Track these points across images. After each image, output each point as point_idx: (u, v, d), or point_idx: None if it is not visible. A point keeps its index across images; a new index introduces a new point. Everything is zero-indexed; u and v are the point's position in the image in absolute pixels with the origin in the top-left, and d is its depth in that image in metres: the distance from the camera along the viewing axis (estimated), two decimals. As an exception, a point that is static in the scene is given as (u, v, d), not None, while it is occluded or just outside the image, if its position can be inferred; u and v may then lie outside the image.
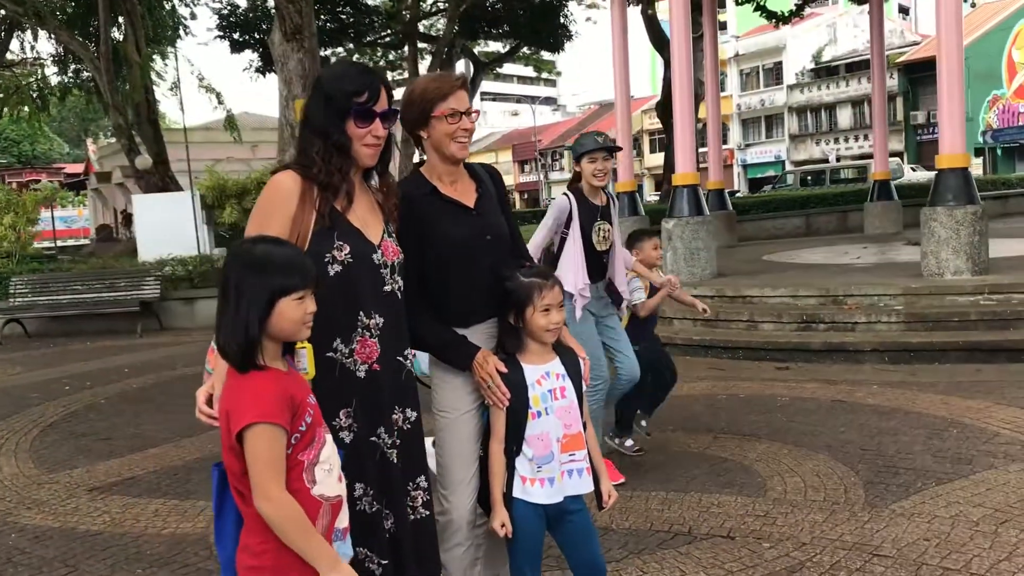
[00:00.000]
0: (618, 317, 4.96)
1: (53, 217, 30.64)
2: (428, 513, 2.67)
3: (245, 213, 14.14)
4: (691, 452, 5.27)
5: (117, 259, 15.62)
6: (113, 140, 33.93)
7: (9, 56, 30.37)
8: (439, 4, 35.14)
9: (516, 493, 2.81)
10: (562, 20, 29.42)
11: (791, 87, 50.51)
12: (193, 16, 25.22)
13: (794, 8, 16.37)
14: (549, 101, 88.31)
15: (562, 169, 69.40)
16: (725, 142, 50.02)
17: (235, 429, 2.11)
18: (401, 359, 2.61)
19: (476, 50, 39.47)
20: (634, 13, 22.89)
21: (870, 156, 40.47)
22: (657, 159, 45.83)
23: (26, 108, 33.96)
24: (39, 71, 32.54)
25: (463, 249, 2.83)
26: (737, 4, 14.68)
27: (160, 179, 21.51)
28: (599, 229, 4.65)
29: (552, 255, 4.75)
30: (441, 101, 2.77)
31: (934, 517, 4.02)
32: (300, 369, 2.35)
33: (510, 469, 2.82)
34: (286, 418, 2.15)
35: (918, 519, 4.02)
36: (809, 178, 31.35)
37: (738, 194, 36.26)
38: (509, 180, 73.10)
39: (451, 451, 2.86)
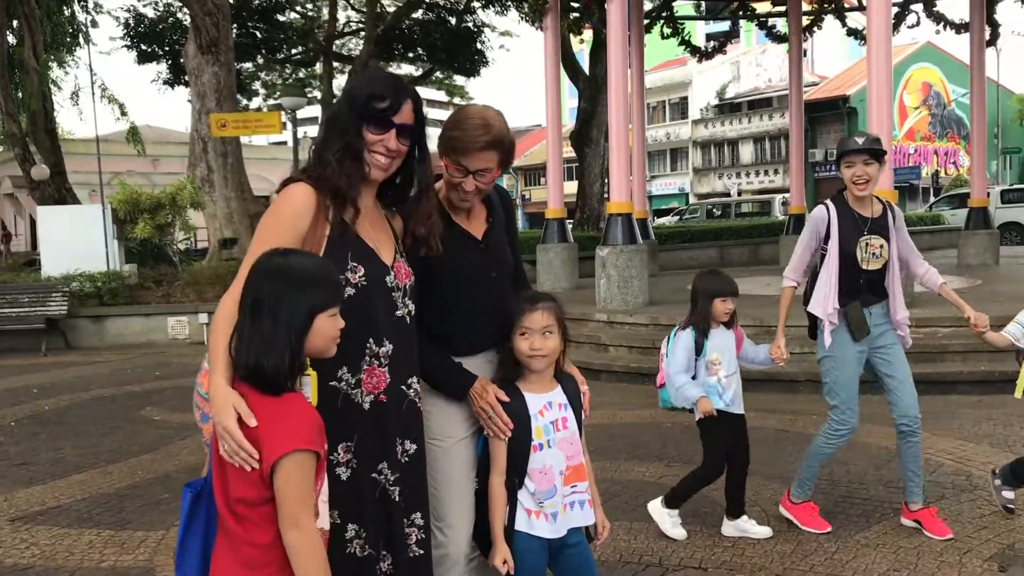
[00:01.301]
0: (900, 345, 4.31)
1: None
2: (423, 552, 2.53)
3: (158, 228, 13.62)
4: (647, 481, 5.23)
5: (16, 274, 14.82)
6: (2, 148, 32.45)
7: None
8: (353, 24, 34.93)
9: (520, 526, 2.70)
10: (479, 46, 29.56)
11: (696, 122, 51.90)
12: (95, 24, 24.28)
13: (716, 44, 16.81)
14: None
15: (470, 194, 69.50)
16: (631, 173, 51.14)
17: (273, 456, 1.96)
18: (405, 388, 2.47)
19: (392, 71, 39.24)
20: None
21: (771, 191, 42.03)
22: (569, 187, 46.29)
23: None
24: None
25: (471, 282, 2.73)
26: (663, 38, 15.00)
27: (56, 190, 20.61)
28: (865, 244, 4.13)
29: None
30: (452, 153, 2.60)
31: (899, 548, 4.08)
32: None
33: (511, 502, 2.71)
34: (322, 445, 2.03)
35: (884, 549, 4.07)
36: (715, 210, 32.16)
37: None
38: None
39: (447, 481, 2.72)
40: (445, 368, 2.71)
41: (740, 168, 49.57)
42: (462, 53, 29.04)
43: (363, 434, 2.35)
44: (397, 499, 2.41)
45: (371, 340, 2.35)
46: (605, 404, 7.21)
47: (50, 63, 24.58)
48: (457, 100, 68.30)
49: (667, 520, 4.36)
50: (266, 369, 2.01)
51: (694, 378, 4.25)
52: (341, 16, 35.74)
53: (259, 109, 30.97)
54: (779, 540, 4.24)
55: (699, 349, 4.23)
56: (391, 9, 32.74)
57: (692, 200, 46.79)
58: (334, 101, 2.89)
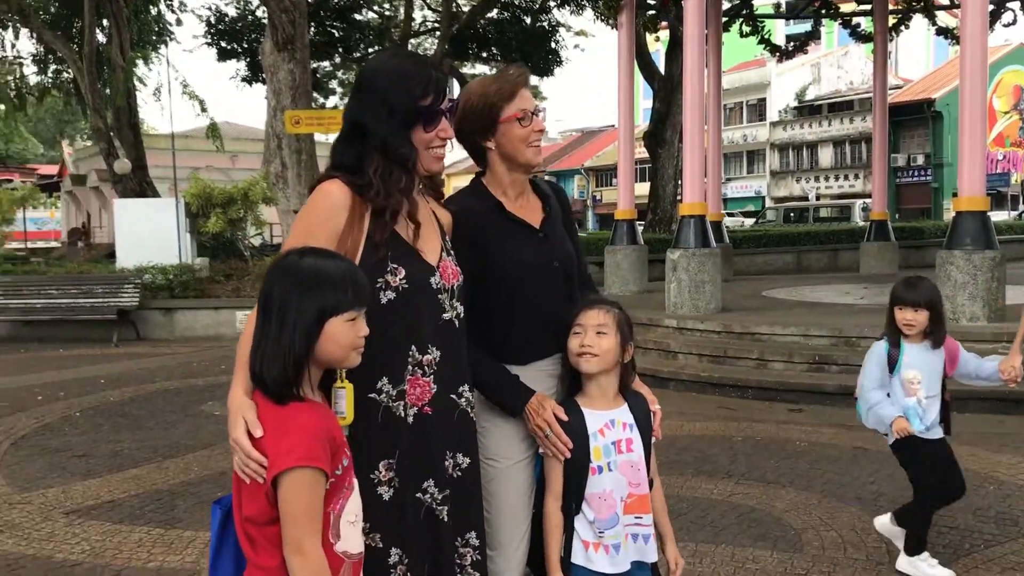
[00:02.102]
0: None
1: (24, 218, 29.94)
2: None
3: (230, 223, 13.73)
4: (714, 499, 4.95)
5: (95, 264, 15.11)
6: (90, 143, 33.38)
7: (-9, 53, 29.81)
8: (428, 24, 35.01)
9: (577, 560, 2.46)
10: (553, 45, 29.35)
11: (774, 124, 50.82)
12: (179, 22, 24.82)
13: (796, 44, 16.28)
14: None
15: (542, 194, 69.31)
16: (706, 175, 50.32)
17: (273, 472, 1.80)
18: (455, 397, 2.26)
19: (463, 71, 39.39)
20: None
21: (850, 196, 40.89)
22: (640, 188, 45.87)
23: (2, 107, 33.38)
24: (18, 70, 31.99)
25: (527, 276, 2.49)
26: (742, 36, 14.57)
27: (137, 184, 21.06)
28: None
29: None
30: (508, 102, 2.44)
31: (991, 584, 3.74)
32: (337, 413, 2.03)
33: (568, 531, 2.48)
34: (328, 461, 1.84)
35: (974, 585, 3.74)
36: (792, 215, 31.41)
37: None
38: (488, 203, 72.79)
39: (501, 506, 2.50)
40: (500, 381, 2.49)
41: (819, 172, 48.36)
42: (536, 52, 28.85)
43: (406, 450, 2.15)
44: (446, 519, 2.21)
45: (414, 348, 2.16)
46: (672, 414, 6.93)
47: (136, 60, 25.14)
48: (531, 100, 67.86)
49: (925, 567, 3.87)
50: (266, 376, 1.86)
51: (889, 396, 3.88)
52: (417, 15, 35.95)
53: (335, 107, 31.21)
54: (856, 568, 3.94)
55: (892, 364, 3.89)
56: (466, 8, 32.81)
57: (768, 203, 45.78)
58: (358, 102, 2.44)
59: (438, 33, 28.56)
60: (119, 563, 4.16)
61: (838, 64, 51.89)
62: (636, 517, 2.51)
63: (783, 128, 50.51)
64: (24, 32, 26.58)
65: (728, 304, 9.68)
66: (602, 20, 12.13)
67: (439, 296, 2.22)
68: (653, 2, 12.73)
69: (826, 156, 48.30)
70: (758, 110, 52.35)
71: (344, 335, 1.90)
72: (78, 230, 32.76)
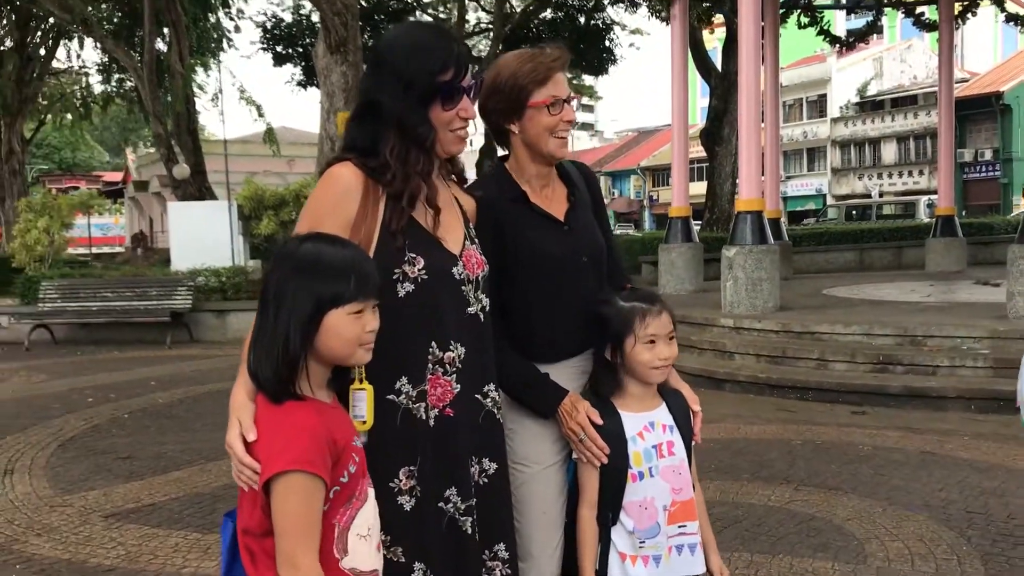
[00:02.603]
0: None
1: (89, 224, 30.59)
2: None
3: (282, 225, 13.76)
4: (772, 506, 4.70)
5: (151, 268, 15.29)
6: (152, 149, 33.98)
7: (56, 64, 30.58)
8: (482, 24, 34.98)
9: (614, 574, 2.26)
10: (607, 43, 29.08)
11: (835, 120, 49.73)
12: (237, 29, 25.08)
13: (857, 36, 15.79)
14: (586, 127, 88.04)
15: (598, 195, 68.93)
16: (764, 172, 49.40)
17: (263, 477, 1.64)
18: (480, 397, 2.08)
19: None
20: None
21: (915, 192, 39.78)
22: (698, 188, 45.31)
23: (69, 116, 34.24)
24: (83, 80, 32.80)
25: (553, 271, 2.30)
26: (800, 27, 14.15)
27: (197, 189, 21.31)
28: None
29: None
30: (539, 87, 2.24)
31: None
32: (356, 417, 1.86)
33: (604, 541, 2.29)
34: (326, 467, 1.67)
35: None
36: (854, 212, 30.67)
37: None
38: (544, 204, 72.78)
39: (531, 513, 2.31)
40: (529, 379, 2.30)
41: (882, 169, 47.20)
42: (590, 51, 28.63)
43: (428, 455, 1.97)
44: (470, 531, 2.03)
45: (435, 344, 1.98)
46: (728, 417, 6.68)
47: (195, 67, 25.55)
48: (586, 100, 67.99)
49: None
50: (260, 372, 1.71)
51: None
52: (471, 17, 35.98)
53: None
54: None
55: None
56: (519, 8, 32.70)
57: (830, 201, 44.82)
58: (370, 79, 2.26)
59: (491, 34, 28.50)
60: (154, 568, 4.07)
61: (901, 58, 50.61)
62: (680, 526, 2.31)
63: (844, 124, 49.39)
64: (89, 42, 27.23)
65: (787, 303, 9.35)
66: (655, 15, 11.87)
67: (463, 288, 2.03)
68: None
69: (889, 152, 47.13)
70: (818, 106, 51.30)
71: (346, 329, 1.73)
72: (140, 235, 33.35)
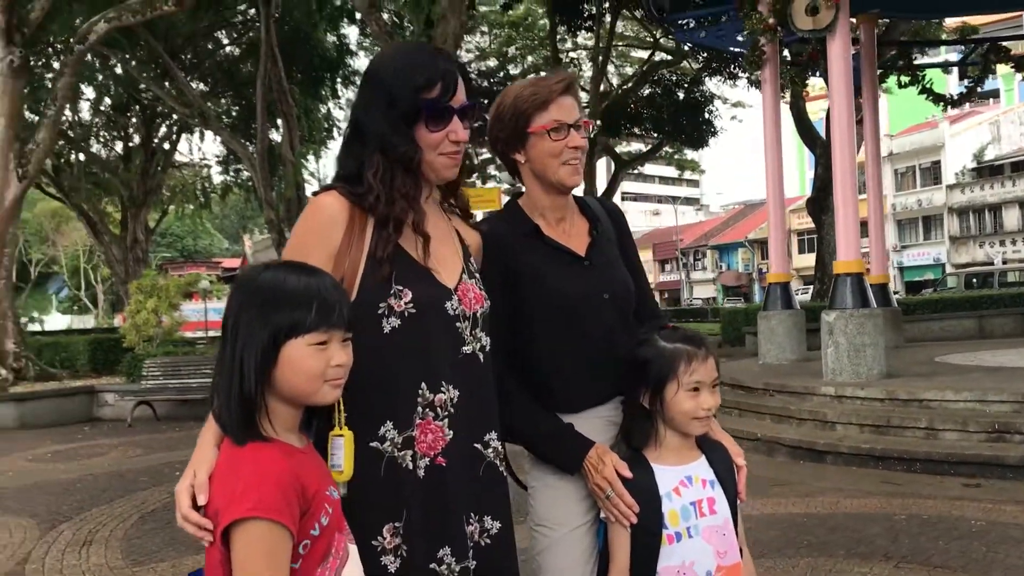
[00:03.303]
0: None
1: (206, 308, 31.81)
2: None
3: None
4: (869, 585, 4.28)
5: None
6: (266, 235, 35.30)
7: (179, 157, 32.35)
8: (583, 104, 35.31)
9: (650, 648, 2.02)
10: (707, 115, 28.94)
11: (951, 187, 47.97)
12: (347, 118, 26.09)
13: (965, 91, 15.18)
14: (691, 201, 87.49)
15: (704, 269, 68.04)
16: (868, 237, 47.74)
17: (220, 524, 1.48)
18: (480, 447, 1.88)
19: (618, 149, 39.50)
20: (782, 110, 22.17)
21: (1042, 259, 37.71)
22: (806, 259, 44.18)
23: (190, 205, 36.05)
24: (204, 171, 34.57)
25: (572, 310, 2.11)
26: (901, 87, 13.71)
27: (307, 272, 21.92)
28: None
29: None
30: (540, 112, 2.10)
31: None
32: (333, 467, 1.70)
33: None
34: (292, 515, 1.50)
35: None
36: (975, 280, 29.24)
37: (897, 296, 34.32)
38: (649, 278, 72.53)
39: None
40: (551, 431, 2.10)
41: (1004, 235, 45.10)
42: (689, 124, 28.53)
43: (415, 510, 1.78)
44: None
45: (424, 385, 1.80)
46: (827, 490, 6.22)
47: (305, 155, 26.54)
48: (688, 174, 67.65)
49: None
50: (221, 412, 1.57)
51: None
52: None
53: (473, 184, 31.74)
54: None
55: None
56: (615, 81, 33.01)
57: (949, 270, 42.96)
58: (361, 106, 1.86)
59: (587, 111, 28.77)
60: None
61: (1020, 120, 48.71)
62: None
63: (961, 191, 47.61)
64: (208, 135, 28.74)
65: (895, 370, 8.79)
66: (750, 74, 11.62)
67: (457, 325, 1.86)
68: (801, 58, 12.16)
69: (1012, 218, 45.07)
70: (932, 173, 49.67)
71: (306, 362, 1.58)
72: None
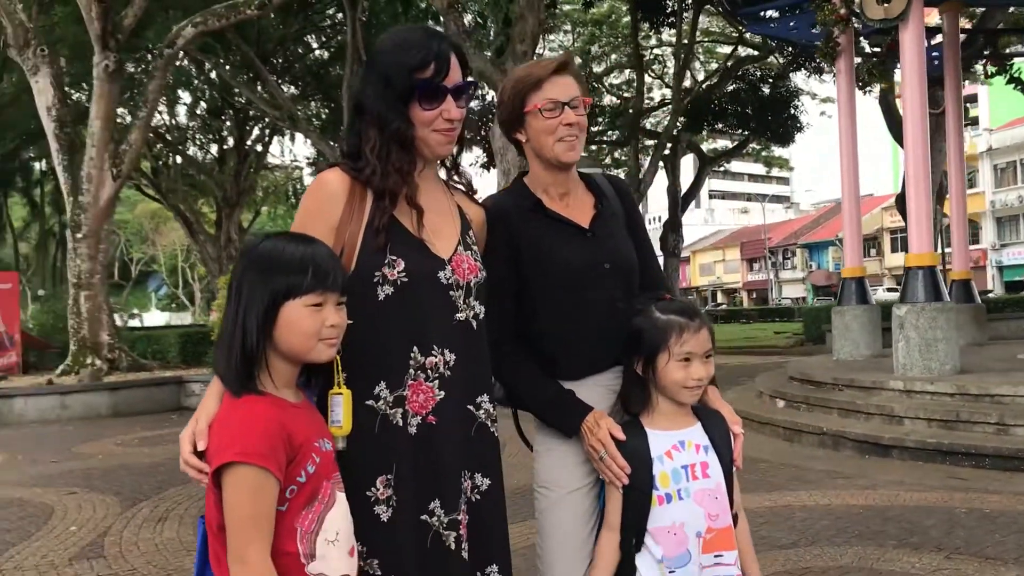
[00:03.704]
0: None
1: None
2: None
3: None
4: (913, 573, 4.23)
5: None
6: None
7: (271, 159, 33.32)
8: (653, 97, 35.08)
9: (638, 605, 2.11)
10: (793, 112, 28.42)
11: (1056, 182, 46.03)
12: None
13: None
14: (781, 199, 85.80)
15: (793, 268, 66.69)
16: (977, 242, 46.09)
17: (211, 467, 1.64)
18: (472, 408, 2.00)
19: (703, 146, 39.06)
20: (872, 103, 21.60)
21: None
22: (898, 259, 42.92)
23: (282, 206, 37.14)
24: (295, 172, 35.54)
25: (574, 280, 2.21)
26: (987, 77, 13.26)
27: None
28: None
29: None
30: (534, 91, 2.21)
31: None
32: (333, 423, 1.84)
33: (629, 569, 2.13)
34: (277, 461, 1.64)
35: None
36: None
37: (991, 295, 33.07)
38: (736, 277, 71.35)
39: (554, 541, 2.21)
40: (550, 395, 2.21)
41: (1113, 233, 43.05)
42: (775, 120, 28.06)
43: (406, 464, 1.91)
44: (453, 547, 1.93)
45: (416, 349, 1.93)
46: (887, 484, 6.13)
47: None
48: (778, 172, 66.31)
49: None
50: (221, 366, 1.73)
51: None
52: (656, 95, 36.27)
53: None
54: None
55: None
56: (699, 77, 32.66)
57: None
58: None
59: (670, 107, 28.55)
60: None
61: None
62: (717, 556, 2.13)
63: (1067, 186, 45.60)
64: (299, 138, 29.55)
65: (970, 366, 8.57)
66: (824, 63, 11.39)
67: (451, 293, 1.99)
68: (878, 50, 11.90)
69: (1122, 214, 42.97)
70: (1035, 168, 47.70)
71: (303, 321, 1.73)
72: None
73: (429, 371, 1.94)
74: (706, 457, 2.16)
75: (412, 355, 1.93)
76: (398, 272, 1.92)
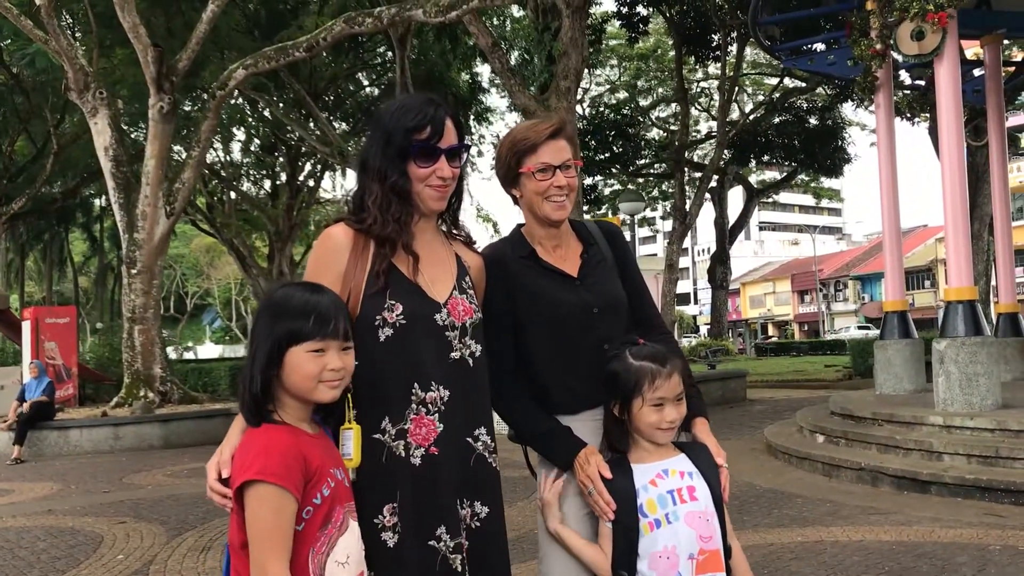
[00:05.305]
0: None
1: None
2: None
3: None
4: (940, 611, 4.23)
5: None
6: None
7: (323, 194, 33.90)
8: (699, 130, 35.12)
9: (637, 627, 2.20)
10: (840, 144, 28.31)
11: (1117, 212, 44.86)
12: (480, 154, 27.19)
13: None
14: (832, 230, 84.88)
15: (845, 300, 65.77)
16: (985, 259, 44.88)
17: (234, 486, 1.80)
18: (471, 441, 2.15)
19: (751, 178, 38.94)
20: (922, 133, 21.42)
21: None
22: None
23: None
24: (346, 207, 36.07)
25: (565, 323, 2.37)
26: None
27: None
28: None
29: None
30: (529, 155, 2.38)
31: None
32: (344, 456, 2.01)
33: None
34: (295, 482, 1.80)
35: None
36: None
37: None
38: (787, 309, 70.47)
39: (555, 571, 2.34)
40: (545, 430, 2.36)
41: None
42: (822, 152, 27.98)
43: (410, 492, 2.06)
44: (460, 569, 2.08)
45: (416, 385, 2.09)
46: (922, 520, 6.09)
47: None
48: (828, 203, 65.60)
49: None
50: (241, 400, 1.91)
51: None
52: (703, 127, 36.31)
53: (605, 215, 31.88)
54: None
55: None
56: (747, 108, 32.65)
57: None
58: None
59: (715, 140, 28.59)
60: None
61: None
62: None
63: None
64: (350, 172, 30.06)
65: (1014, 401, 8.45)
66: (863, 97, 11.39)
67: (447, 334, 2.14)
68: (920, 83, 11.88)
69: None
70: (1095, 198, 46.55)
71: (305, 366, 1.89)
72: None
73: (430, 405, 2.09)
74: (692, 482, 2.26)
75: (413, 391, 2.09)
76: (396, 315, 2.09)
